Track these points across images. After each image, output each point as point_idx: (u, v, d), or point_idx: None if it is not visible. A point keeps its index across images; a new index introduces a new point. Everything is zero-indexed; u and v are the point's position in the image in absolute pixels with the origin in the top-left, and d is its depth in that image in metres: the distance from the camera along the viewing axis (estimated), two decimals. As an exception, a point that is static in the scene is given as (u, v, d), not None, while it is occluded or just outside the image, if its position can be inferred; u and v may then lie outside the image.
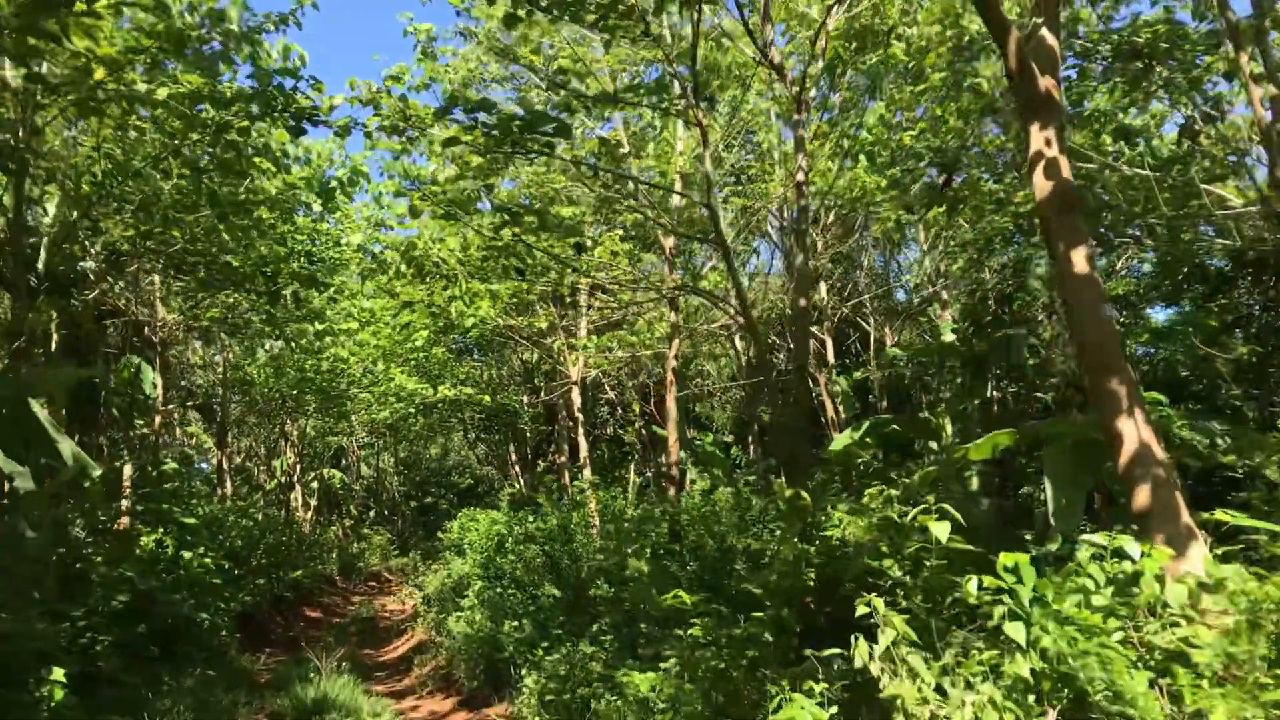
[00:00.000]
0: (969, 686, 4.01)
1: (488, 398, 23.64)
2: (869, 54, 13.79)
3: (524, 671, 10.32)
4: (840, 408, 17.74)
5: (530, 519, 16.22)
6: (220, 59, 10.94)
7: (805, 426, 10.77)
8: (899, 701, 4.06)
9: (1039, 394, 15.43)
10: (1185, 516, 4.78)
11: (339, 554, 28.36)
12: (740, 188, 17.38)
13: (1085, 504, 8.06)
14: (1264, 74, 9.66)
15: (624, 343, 18.17)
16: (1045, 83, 5.46)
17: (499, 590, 13.55)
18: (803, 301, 10.36)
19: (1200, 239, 14.92)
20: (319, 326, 17.56)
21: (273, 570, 19.51)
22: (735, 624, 6.30)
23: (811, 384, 17.12)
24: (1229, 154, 13.02)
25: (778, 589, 6.32)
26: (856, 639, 4.49)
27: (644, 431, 25.70)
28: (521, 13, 8.61)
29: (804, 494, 6.79)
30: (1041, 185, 5.40)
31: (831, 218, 17.92)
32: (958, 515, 4.80)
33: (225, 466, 24.00)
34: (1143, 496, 4.82)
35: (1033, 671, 3.86)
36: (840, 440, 11.71)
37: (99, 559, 11.25)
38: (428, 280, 14.04)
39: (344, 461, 38.11)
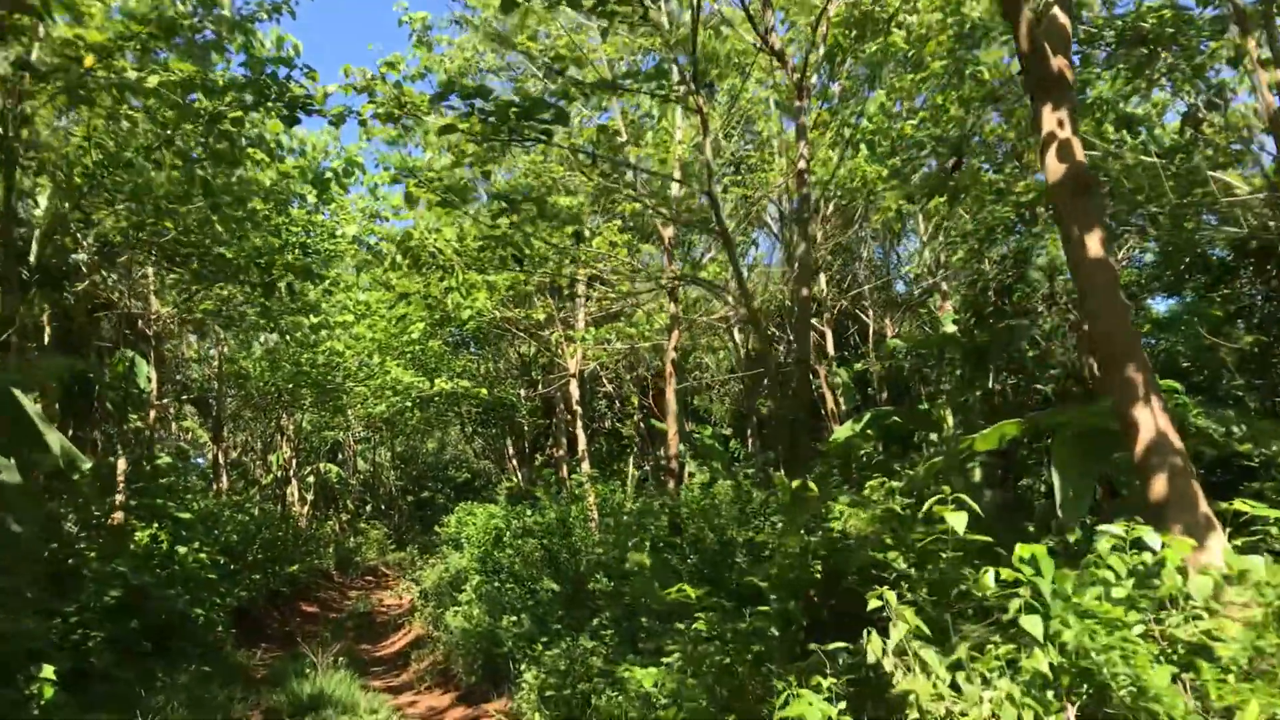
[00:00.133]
0: (985, 682, 3.88)
1: (485, 390, 23.49)
2: (869, 42, 13.64)
3: (523, 666, 10.19)
4: (841, 399, 17.62)
5: (528, 513, 16.09)
6: (213, 48, 10.80)
7: (806, 418, 10.65)
8: (912, 697, 3.93)
9: (1038, 386, 15.34)
10: (1203, 506, 4.66)
11: (335, 549, 28.24)
12: (739, 177, 17.23)
13: (1092, 494, 7.94)
14: (1270, 59, 9.54)
15: (622, 334, 18.04)
16: (1057, 62, 5.32)
17: (497, 584, 13.43)
18: (805, 291, 10.23)
19: (1203, 228, 14.81)
20: (314, 319, 17.40)
21: (269, 565, 19.38)
22: (739, 618, 6.18)
23: (811, 376, 16.99)
24: (1232, 142, 12.91)
25: (783, 581, 6.19)
26: (869, 633, 4.36)
27: (642, 425, 25.57)
28: (519, -3, 8.46)
29: (810, 484, 6.66)
30: (1054, 167, 5.26)
31: (831, 208, 17.79)
32: (974, 506, 4.66)
33: (221, 461, 23.87)
34: (1160, 485, 4.69)
35: (1051, 666, 3.74)
36: (841, 432, 11.61)
37: (92, 554, 11.12)
38: (424, 272, 13.88)
39: (340, 456, 37.98)
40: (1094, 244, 5.09)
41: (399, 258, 12.58)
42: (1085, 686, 3.75)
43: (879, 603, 4.46)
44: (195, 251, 13.54)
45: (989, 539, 4.73)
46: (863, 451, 11.64)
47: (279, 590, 19.52)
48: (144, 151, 11.51)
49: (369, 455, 39.91)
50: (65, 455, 7.84)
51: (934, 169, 15.58)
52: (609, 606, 10.28)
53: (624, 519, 12.88)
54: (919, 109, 14.78)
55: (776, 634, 5.92)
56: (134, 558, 11.70)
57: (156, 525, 13.25)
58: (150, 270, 16.02)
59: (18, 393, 7.27)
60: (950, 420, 11.94)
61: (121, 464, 14.77)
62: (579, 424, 19.17)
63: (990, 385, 13.37)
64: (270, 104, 10.39)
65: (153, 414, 17.72)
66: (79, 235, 13.68)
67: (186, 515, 14.08)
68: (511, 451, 29.79)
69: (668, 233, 14.96)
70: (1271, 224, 12.53)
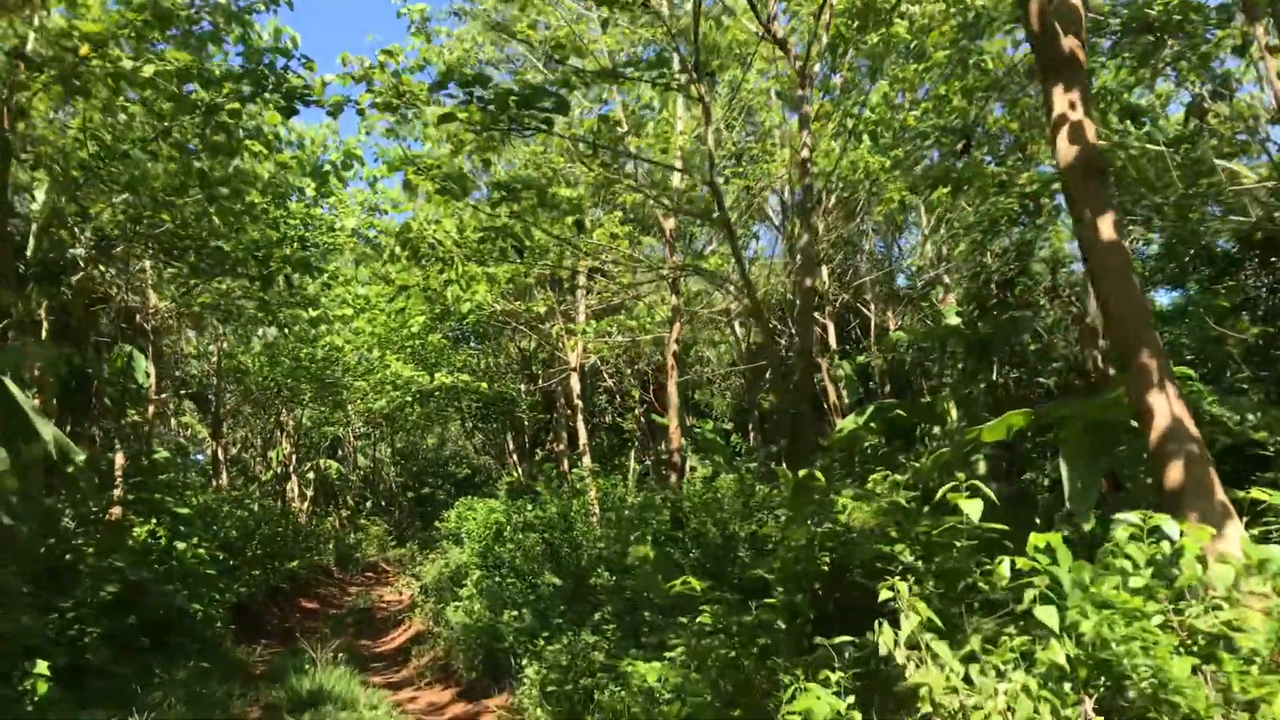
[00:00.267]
0: (1000, 675, 3.78)
1: (485, 384, 23.40)
2: (870, 32, 13.53)
3: (524, 662, 10.11)
4: (843, 392, 17.53)
5: (529, 507, 16.00)
6: (210, 40, 10.70)
7: (809, 411, 10.54)
8: (924, 691, 3.82)
9: (1040, 379, 15.25)
10: (1220, 494, 4.56)
11: (335, 544, 28.18)
12: (741, 168, 17.12)
13: (1100, 486, 7.86)
14: (1278, 45, 9.42)
15: (623, 327, 17.94)
16: (1068, 42, 5.21)
17: (498, 579, 13.34)
18: (808, 282, 10.12)
19: (1208, 219, 14.69)
20: (313, 313, 17.30)
21: (268, 561, 19.32)
22: (745, 611, 6.08)
23: (814, 369, 16.89)
24: (1238, 132, 12.80)
25: (790, 574, 6.09)
26: (880, 625, 4.25)
27: (643, 419, 25.48)
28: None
29: (817, 474, 6.56)
30: (1065, 150, 5.14)
31: (833, 201, 17.68)
32: (990, 493, 4.55)
33: (221, 457, 23.79)
34: (1175, 473, 4.59)
35: (1068, 658, 3.63)
36: (845, 425, 11.51)
37: (89, 549, 11.04)
38: (424, 264, 13.78)
39: (340, 452, 37.91)
40: (1106, 227, 4.98)
41: (398, 249, 12.46)
42: (1103, 679, 3.64)
43: (890, 594, 4.35)
44: (193, 244, 13.45)
45: (1005, 527, 4.63)
46: (866, 445, 11.55)
47: (279, 586, 19.44)
48: (140, 143, 11.41)
49: (369, 451, 39.83)
50: (59, 447, 7.75)
51: (937, 161, 15.50)
52: (611, 601, 10.20)
53: (625, 513, 12.79)
54: (921, 100, 14.68)
55: (783, 627, 5.83)
56: (132, 553, 11.63)
57: (155, 521, 13.17)
58: (148, 264, 15.92)
59: (10, 384, 7.16)
60: (954, 413, 11.86)
61: (119, 459, 14.68)
62: (579, 418, 19.06)
63: (994, 378, 13.28)
64: (268, 94, 10.29)
65: (151, 409, 17.62)
66: (76, 229, 13.58)
67: (185, 510, 13.99)
68: (512, 447, 29.70)
69: (669, 224, 14.85)
70: (1277, 215, 12.44)
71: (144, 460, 15.28)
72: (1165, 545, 4.09)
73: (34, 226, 13.16)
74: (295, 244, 14.89)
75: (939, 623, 4.25)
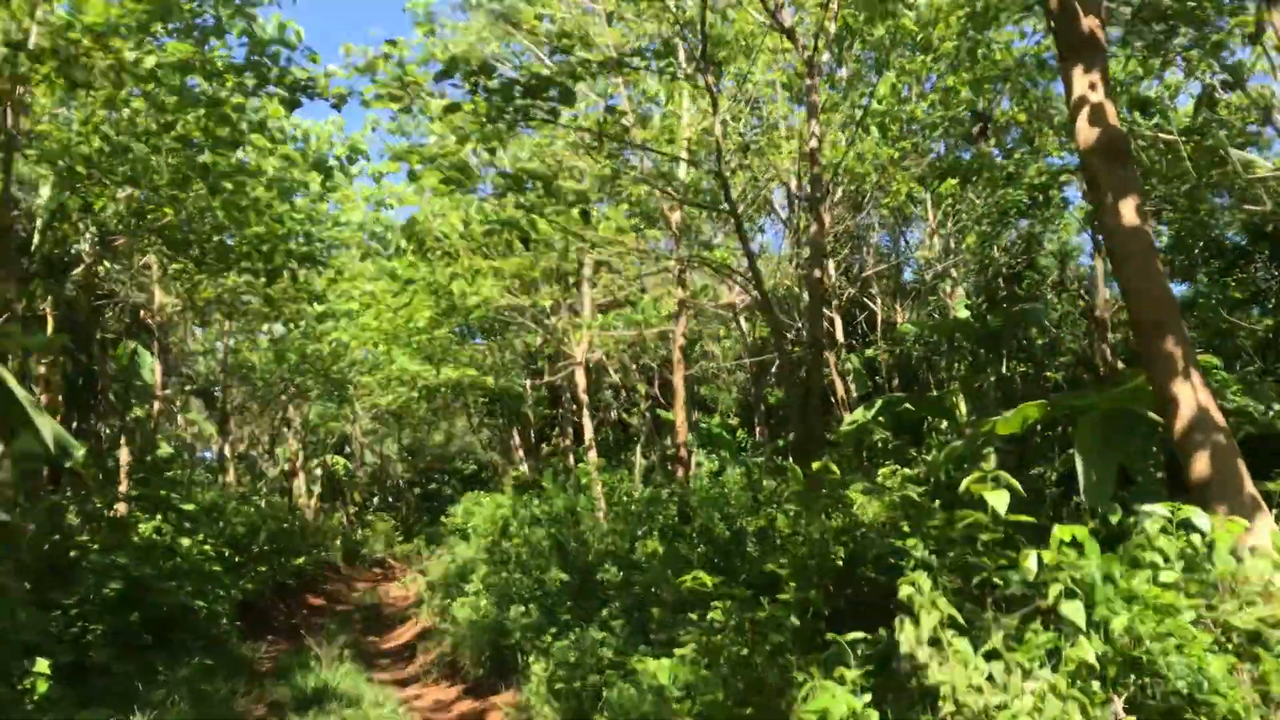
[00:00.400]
0: (1025, 673, 3.65)
1: (491, 379, 23.32)
2: (877, 24, 13.40)
3: (531, 658, 10.00)
4: (852, 386, 17.40)
5: (535, 503, 15.91)
6: (213, 34, 10.59)
7: (819, 403, 10.42)
8: (947, 689, 3.70)
9: (1048, 373, 15.14)
10: (1249, 486, 4.43)
11: (343, 541, 28.14)
12: (747, 160, 16.99)
13: (1116, 479, 7.73)
14: (1294, 33, 9.26)
15: (629, 321, 17.82)
16: (1088, 22, 5.08)
17: (504, 575, 13.23)
18: (816, 273, 10.00)
19: (1218, 210, 14.54)
20: (318, 308, 17.20)
21: (275, 557, 19.23)
22: (757, 607, 5.96)
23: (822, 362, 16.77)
24: (1250, 123, 12.65)
25: (802, 569, 5.97)
26: (901, 621, 4.13)
27: (649, 414, 25.36)
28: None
29: (832, 466, 6.44)
30: (1086, 132, 5.01)
31: (840, 194, 17.54)
32: (1016, 484, 4.42)
33: (228, 454, 23.75)
34: (1202, 464, 4.46)
35: (1098, 656, 3.50)
36: (853, 418, 11.39)
37: (93, 546, 10.95)
38: (429, 258, 13.68)
39: (347, 448, 37.88)
40: (1129, 211, 4.85)
41: (404, 243, 12.36)
42: (1133, 677, 3.52)
43: (910, 589, 4.23)
44: (197, 239, 13.35)
45: (1033, 519, 4.50)
46: (879, 438, 11.44)
47: (285, 583, 19.36)
48: (144, 135, 11.32)
49: (376, 447, 39.81)
50: (58, 441, 7.65)
51: (943, 155, 15.38)
52: (619, 596, 10.09)
53: (632, 508, 12.68)
54: (927, 93, 14.56)
55: (795, 623, 5.71)
56: (136, 550, 11.53)
57: (160, 517, 13.09)
58: (153, 259, 15.83)
59: (9, 379, 7.07)
60: (963, 407, 11.74)
61: (125, 456, 14.62)
62: (585, 413, 18.94)
63: (1004, 371, 13.16)
64: (272, 87, 10.20)
65: (156, 406, 17.56)
66: (80, 224, 13.50)
67: (190, 507, 13.91)
68: (518, 442, 29.60)
69: (675, 217, 14.73)
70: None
71: (148, 457, 15.21)
72: (1195, 539, 3.96)
73: (39, 222, 13.09)
74: (300, 239, 14.80)
75: (960, 619, 4.13)
